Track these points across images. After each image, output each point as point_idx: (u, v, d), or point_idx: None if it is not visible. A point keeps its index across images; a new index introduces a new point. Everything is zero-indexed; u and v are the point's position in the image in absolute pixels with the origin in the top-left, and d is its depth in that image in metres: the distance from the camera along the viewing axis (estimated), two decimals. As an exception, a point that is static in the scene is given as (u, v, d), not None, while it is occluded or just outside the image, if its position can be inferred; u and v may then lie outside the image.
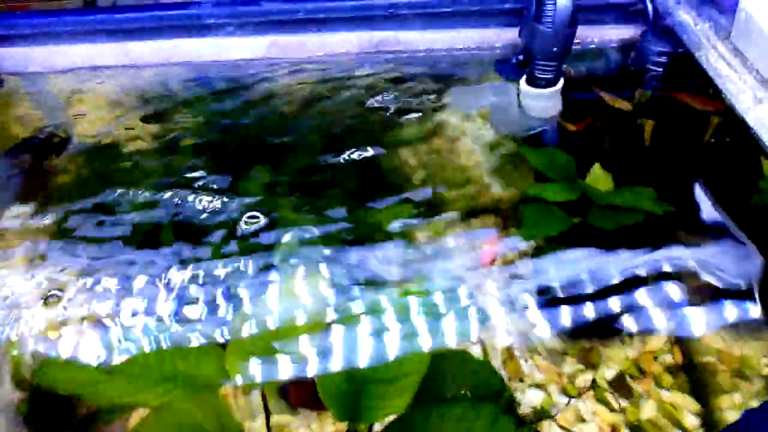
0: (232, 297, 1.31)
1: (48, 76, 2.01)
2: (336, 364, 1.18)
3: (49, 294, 1.36)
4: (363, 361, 1.19)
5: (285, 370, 1.19)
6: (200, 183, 1.61)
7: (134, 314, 1.29)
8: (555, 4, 1.52)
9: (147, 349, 1.22)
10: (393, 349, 1.22)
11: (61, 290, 1.37)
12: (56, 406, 1.19)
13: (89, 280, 1.38)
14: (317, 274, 1.35)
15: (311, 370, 1.17)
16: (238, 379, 1.16)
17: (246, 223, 1.46)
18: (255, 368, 1.19)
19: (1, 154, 1.85)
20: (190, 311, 1.29)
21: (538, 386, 1.23)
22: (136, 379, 1.18)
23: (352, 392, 1.15)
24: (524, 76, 1.69)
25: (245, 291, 1.32)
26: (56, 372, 1.18)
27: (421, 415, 1.14)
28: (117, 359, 1.21)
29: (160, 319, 1.28)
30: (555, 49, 1.58)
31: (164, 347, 1.22)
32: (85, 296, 1.34)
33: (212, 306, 1.30)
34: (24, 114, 1.99)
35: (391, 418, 1.12)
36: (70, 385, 1.16)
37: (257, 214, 1.49)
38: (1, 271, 1.42)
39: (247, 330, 1.24)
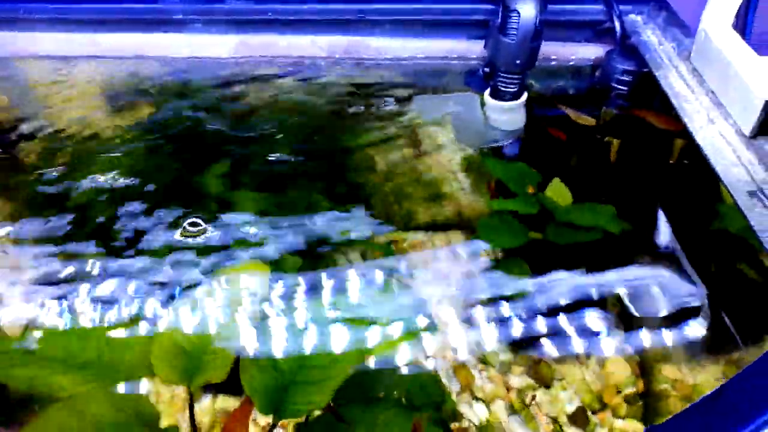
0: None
1: (16, 62, 2.00)
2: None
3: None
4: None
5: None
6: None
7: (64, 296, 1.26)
8: (520, 16, 1.51)
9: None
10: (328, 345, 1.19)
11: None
12: None
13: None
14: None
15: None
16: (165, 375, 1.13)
17: (185, 230, 1.43)
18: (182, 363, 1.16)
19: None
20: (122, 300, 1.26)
21: (484, 400, 1.20)
22: (55, 362, 1.14)
23: (279, 388, 1.13)
24: (488, 89, 1.67)
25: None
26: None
27: (347, 412, 1.11)
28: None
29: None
30: (518, 62, 1.56)
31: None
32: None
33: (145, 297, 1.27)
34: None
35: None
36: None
37: (198, 221, 1.46)
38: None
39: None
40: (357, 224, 1.49)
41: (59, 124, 1.83)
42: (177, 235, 1.41)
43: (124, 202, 1.54)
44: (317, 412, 1.11)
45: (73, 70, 1.96)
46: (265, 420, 1.13)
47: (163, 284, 1.31)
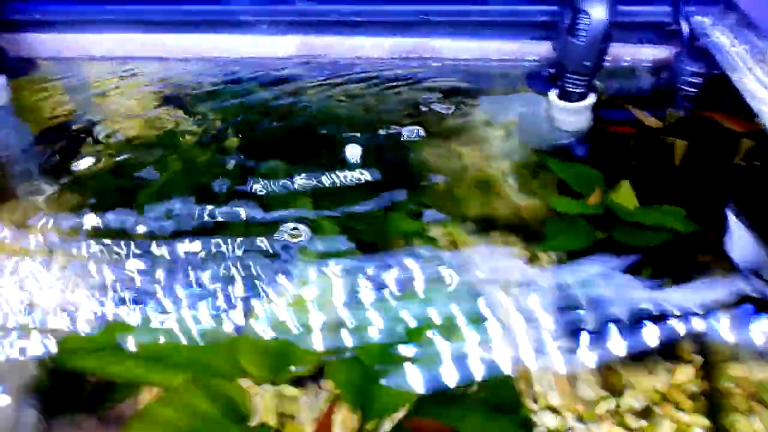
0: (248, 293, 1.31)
1: (82, 63, 2.04)
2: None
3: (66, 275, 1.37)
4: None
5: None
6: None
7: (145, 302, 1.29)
8: (590, 18, 1.52)
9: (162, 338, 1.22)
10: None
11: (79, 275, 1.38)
12: (68, 384, 1.19)
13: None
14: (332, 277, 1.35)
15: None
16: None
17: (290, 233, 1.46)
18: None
19: (32, 140, 1.88)
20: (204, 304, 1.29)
21: (553, 409, 1.20)
22: (150, 362, 1.18)
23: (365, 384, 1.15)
24: (555, 90, 1.68)
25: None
26: (73, 351, 1.19)
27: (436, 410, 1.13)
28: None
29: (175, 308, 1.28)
30: (587, 63, 1.57)
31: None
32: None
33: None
34: (55, 99, 2.02)
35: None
36: (86, 363, 1.16)
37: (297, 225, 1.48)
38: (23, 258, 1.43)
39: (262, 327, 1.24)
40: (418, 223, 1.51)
41: (122, 125, 1.87)
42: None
43: (191, 200, 1.57)
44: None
45: (140, 70, 2.00)
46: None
47: (243, 282, 1.34)
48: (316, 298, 1.29)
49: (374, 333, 1.23)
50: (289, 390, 1.15)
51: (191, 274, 1.34)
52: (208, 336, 1.22)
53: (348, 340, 1.21)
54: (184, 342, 1.21)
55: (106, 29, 1.93)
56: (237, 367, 1.16)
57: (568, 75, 1.61)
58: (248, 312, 1.26)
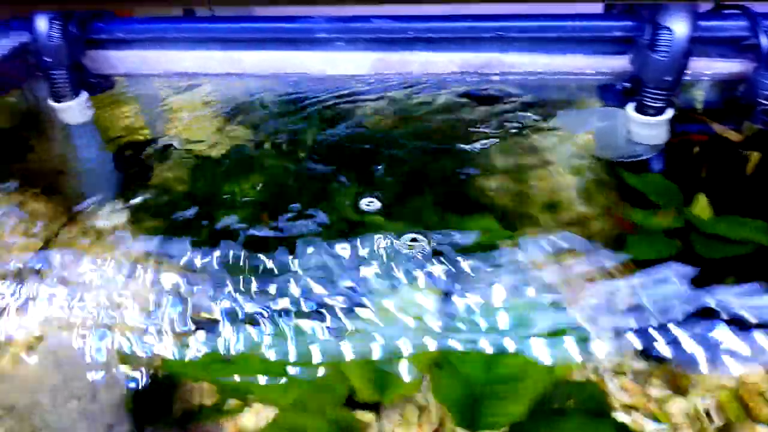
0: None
1: (158, 80, 2.11)
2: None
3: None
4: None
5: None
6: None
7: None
8: (672, 33, 1.54)
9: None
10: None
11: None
12: (157, 402, 1.23)
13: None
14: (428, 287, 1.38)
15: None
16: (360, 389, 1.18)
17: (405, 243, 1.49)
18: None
19: (112, 156, 1.94)
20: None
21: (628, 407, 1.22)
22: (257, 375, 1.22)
23: (470, 401, 1.17)
24: (632, 104, 1.70)
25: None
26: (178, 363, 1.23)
27: (535, 426, 1.14)
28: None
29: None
30: (668, 78, 1.59)
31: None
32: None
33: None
34: (131, 115, 2.09)
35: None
36: (195, 372, 1.21)
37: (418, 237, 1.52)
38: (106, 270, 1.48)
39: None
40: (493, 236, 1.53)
41: (196, 141, 1.92)
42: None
43: (271, 216, 1.61)
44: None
45: (216, 86, 2.06)
46: None
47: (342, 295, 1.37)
48: (414, 311, 1.32)
49: (469, 344, 1.26)
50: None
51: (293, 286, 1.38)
52: (313, 351, 1.26)
53: (450, 352, 1.24)
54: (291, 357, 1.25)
55: (184, 47, 1.99)
56: (345, 384, 1.19)
57: (648, 90, 1.63)
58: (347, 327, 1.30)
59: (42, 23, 1.82)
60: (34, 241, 1.60)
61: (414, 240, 1.46)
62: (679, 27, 1.53)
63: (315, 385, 1.19)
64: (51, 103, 1.94)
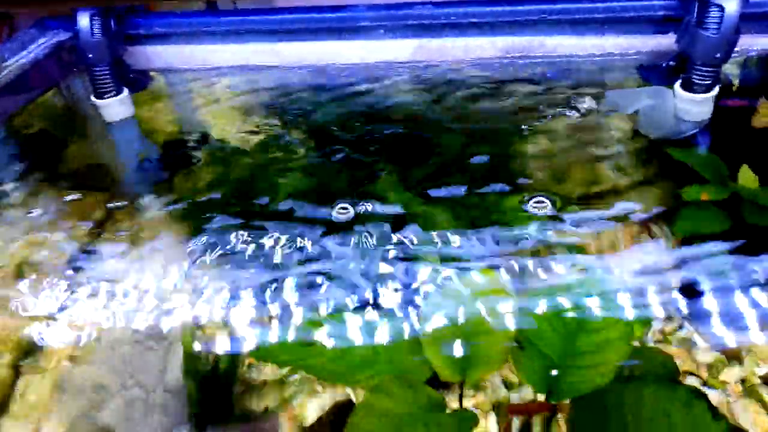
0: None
1: (197, 74, 2.11)
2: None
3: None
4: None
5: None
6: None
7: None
8: (722, 10, 1.55)
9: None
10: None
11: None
12: (216, 391, 1.25)
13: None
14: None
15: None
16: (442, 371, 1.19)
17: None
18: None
19: (153, 151, 1.95)
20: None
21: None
22: (339, 359, 1.23)
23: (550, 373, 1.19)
24: (679, 81, 1.71)
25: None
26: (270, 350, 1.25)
27: (617, 393, 1.16)
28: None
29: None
30: (718, 55, 1.60)
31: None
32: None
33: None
34: (171, 110, 2.09)
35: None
36: (286, 358, 1.22)
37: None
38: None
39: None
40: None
41: (235, 133, 1.93)
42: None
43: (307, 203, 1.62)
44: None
45: (254, 78, 2.07)
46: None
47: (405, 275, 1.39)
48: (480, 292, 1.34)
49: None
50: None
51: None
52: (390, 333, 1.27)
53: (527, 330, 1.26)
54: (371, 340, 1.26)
55: (222, 40, 1.99)
56: (427, 366, 1.21)
57: (697, 67, 1.64)
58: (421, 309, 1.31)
59: (84, 20, 1.82)
60: (82, 234, 1.61)
61: (539, 201, 1.48)
62: (730, 4, 1.54)
63: (398, 368, 1.21)
64: (94, 99, 1.94)
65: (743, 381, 1.24)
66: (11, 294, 1.41)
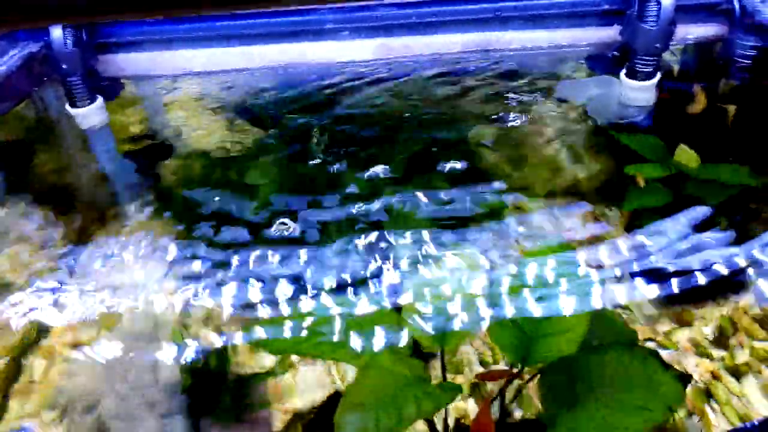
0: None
1: (168, 80, 2.18)
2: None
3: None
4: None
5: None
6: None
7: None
8: (659, 4, 1.71)
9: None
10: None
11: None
12: (209, 381, 1.35)
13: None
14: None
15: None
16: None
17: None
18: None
19: (120, 157, 2.02)
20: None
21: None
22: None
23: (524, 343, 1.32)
24: (624, 70, 1.87)
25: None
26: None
27: (583, 359, 1.31)
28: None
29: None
30: (657, 45, 1.76)
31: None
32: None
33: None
34: (141, 116, 2.16)
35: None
36: (281, 346, 1.33)
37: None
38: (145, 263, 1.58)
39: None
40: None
41: (208, 136, 2.01)
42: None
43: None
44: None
45: (228, 81, 2.15)
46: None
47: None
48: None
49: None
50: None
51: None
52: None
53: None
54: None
55: (193, 45, 2.06)
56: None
57: (639, 57, 1.80)
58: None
59: (57, 31, 1.87)
60: (64, 242, 1.67)
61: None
62: (665, -2, 1.70)
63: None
64: (69, 108, 1.99)
65: (691, 340, 1.40)
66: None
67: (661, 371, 1.29)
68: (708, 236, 1.54)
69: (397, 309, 1.36)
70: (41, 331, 1.43)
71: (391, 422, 1.07)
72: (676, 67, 2.01)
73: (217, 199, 1.76)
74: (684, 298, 1.45)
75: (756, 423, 0.80)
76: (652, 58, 1.79)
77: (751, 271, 1.46)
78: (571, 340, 1.32)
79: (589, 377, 1.26)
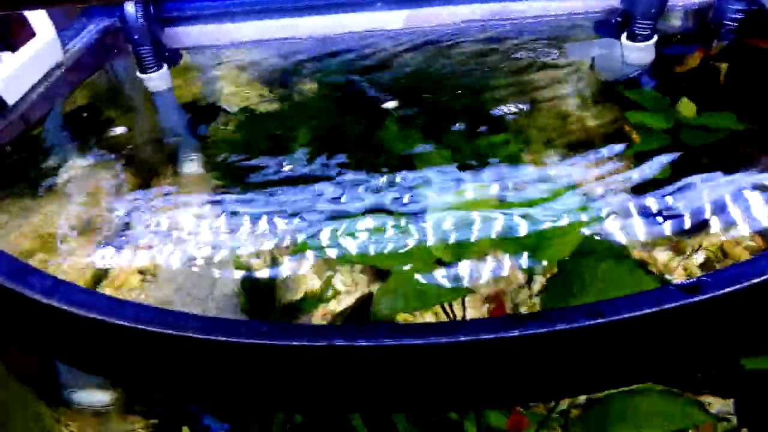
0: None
1: (222, 50, 2.48)
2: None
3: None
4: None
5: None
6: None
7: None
8: (654, -27, 1.95)
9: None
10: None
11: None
12: (263, 301, 1.64)
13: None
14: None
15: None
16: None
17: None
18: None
19: (187, 117, 2.32)
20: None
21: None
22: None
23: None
24: (625, 33, 2.11)
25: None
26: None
27: (576, 265, 1.58)
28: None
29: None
30: (653, 10, 2.00)
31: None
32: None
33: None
34: (196, 82, 2.46)
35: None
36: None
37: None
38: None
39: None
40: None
41: (249, 100, 2.30)
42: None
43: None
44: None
45: (273, 50, 2.44)
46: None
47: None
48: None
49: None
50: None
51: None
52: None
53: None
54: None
55: (243, 18, 2.36)
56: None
57: (638, 20, 2.04)
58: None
59: (130, 7, 2.18)
60: (131, 187, 1.97)
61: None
62: (659, -32, 1.94)
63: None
64: (139, 74, 2.30)
65: (685, 269, 1.66)
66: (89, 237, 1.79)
67: (648, 278, 1.55)
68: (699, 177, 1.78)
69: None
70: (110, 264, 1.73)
71: (417, 304, 1.36)
72: (675, 30, 2.24)
73: (260, 149, 2.05)
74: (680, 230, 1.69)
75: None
76: (648, 22, 2.03)
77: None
78: (565, 243, 1.60)
79: (582, 279, 1.53)
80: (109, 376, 1.42)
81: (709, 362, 1.28)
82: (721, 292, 1.01)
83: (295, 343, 0.97)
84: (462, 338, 0.95)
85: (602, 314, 1.00)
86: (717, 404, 1.57)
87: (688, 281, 1.06)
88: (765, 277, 1.01)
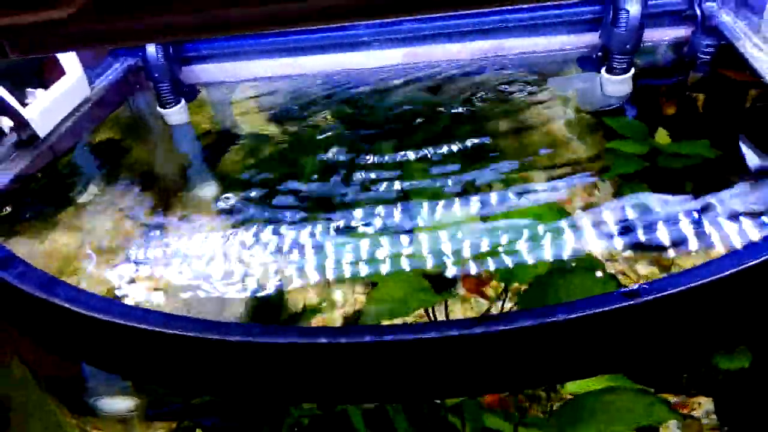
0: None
1: (234, 86, 2.69)
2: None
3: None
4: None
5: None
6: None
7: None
8: (628, 13, 2.12)
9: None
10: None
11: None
12: (268, 312, 1.81)
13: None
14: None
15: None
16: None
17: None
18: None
19: (197, 147, 2.52)
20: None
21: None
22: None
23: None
24: (604, 68, 2.28)
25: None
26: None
27: (553, 278, 1.72)
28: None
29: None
30: (628, 46, 2.17)
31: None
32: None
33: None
34: (211, 115, 2.67)
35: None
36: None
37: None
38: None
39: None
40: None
41: (259, 131, 2.49)
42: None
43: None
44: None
45: (280, 87, 2.64)
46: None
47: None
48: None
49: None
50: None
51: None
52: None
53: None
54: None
55: (254, 57, 2.57)
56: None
57: (615, 56, 2.21)
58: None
59: (151, 48, 2.40)
60: (151, 212, 2.16)
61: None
62: (633, 8, 2.11)
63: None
64: (159, 109, 2.51)
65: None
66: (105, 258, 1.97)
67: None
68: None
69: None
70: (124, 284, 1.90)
71: (401, 311, 1.51)
72: (652, 64, 2.40)
73: (269, 176, 2.24)
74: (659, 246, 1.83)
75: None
76: (625, 57, 2.19)
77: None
78: (542, 263, 1.75)
79: (556, 293, 1.68)
80: (130, 377, 1.59)
81: (654, 358, 1.41)
82: (655, 296, 1.16)
83: (281, 340, 1.14)
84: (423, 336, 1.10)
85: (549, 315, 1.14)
86: (706, 404, 1.70)
87: (629, 288, 1.21)
88: (694, 284, 1.16)
